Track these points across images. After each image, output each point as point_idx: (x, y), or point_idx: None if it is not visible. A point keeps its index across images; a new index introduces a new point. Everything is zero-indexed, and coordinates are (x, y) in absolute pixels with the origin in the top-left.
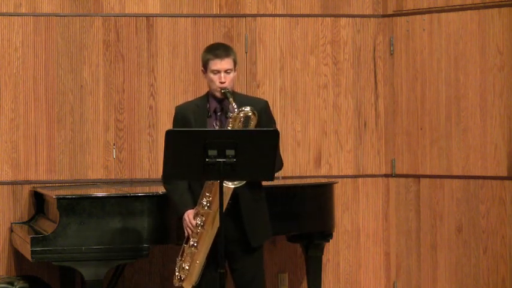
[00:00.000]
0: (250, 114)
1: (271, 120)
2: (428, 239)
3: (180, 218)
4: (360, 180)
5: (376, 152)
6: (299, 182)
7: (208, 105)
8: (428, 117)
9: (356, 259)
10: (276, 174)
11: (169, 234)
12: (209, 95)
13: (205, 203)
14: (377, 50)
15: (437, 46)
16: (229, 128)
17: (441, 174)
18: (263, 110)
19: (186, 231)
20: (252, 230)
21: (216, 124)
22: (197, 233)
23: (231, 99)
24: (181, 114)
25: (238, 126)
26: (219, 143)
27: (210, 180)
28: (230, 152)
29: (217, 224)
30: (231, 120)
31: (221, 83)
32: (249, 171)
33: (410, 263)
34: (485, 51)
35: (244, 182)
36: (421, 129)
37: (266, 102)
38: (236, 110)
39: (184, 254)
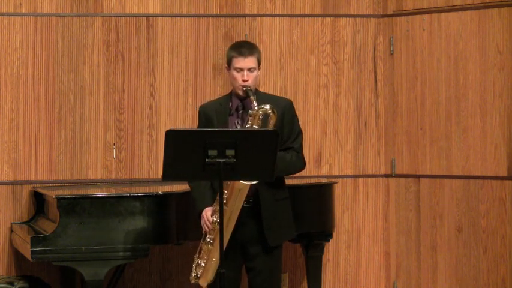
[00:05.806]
0: (269, 111)
1: (293, 120)
2: (428, 239)
3: (199, 215)
4: (360, 180)
5: (376, 152)
6: (299, 182)
7: (230, 104)
8: (428, 117)
9: (356, 259)
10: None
11: (169, 234)
12: (232, 93)
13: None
14: (377, 50)
15: (437, 46)
16: (248, 125)
17: (441, 174)
18: (286, 109)
19: (203, 228)
20: (272, 229)
21: (238, 122)
22: (214, 230)
23: (252, 97)
24: (204, 114)
25: (257, 123)
26: (219, 143)
27: (209, 180)
28: (230, 152)
29: (233, 221)
30: (250, 118)
31: (244, 81)
32: (249, 171)
33: (410, 263)
34: (485, 51)
35: None
36: (421, 129)
37: (290, 102)
38: (256, 107)
39: (202, 252)
